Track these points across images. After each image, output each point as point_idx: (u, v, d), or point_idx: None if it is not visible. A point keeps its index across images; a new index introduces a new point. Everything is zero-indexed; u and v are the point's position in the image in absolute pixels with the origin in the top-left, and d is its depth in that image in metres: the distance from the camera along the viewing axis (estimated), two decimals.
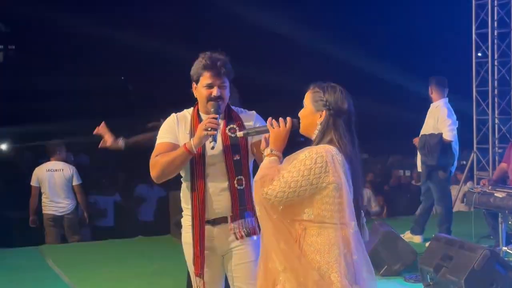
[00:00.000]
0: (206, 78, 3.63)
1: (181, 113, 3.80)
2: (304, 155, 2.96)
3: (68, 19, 18.01)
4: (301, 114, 3.21)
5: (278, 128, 3.21)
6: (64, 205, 8.84)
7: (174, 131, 3.71)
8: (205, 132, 3.46)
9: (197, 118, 3.71)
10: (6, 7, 18.41)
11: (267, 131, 3.25)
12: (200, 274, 3.63)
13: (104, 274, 7.07)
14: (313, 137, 3.14)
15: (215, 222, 3.64)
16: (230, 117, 3.71)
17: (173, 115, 3.79)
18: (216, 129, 3.48)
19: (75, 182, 8.97)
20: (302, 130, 3.24)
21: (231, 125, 3.61)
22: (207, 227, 3.63)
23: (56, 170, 8.86)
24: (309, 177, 2.91)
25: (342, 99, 3.11)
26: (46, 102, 18.28)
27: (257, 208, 3.05)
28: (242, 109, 3.84)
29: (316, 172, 2.92)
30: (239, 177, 3.59)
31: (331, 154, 2.97)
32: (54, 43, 19.22)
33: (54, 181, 8.79)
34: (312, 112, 3.14)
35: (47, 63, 19.77)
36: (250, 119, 3.75)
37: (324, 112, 3.10)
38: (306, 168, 2.92)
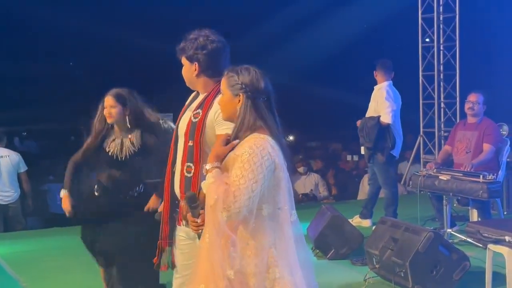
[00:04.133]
0: None
1: None
2: (247, 153, 2.87)
3: (11, 1, 17.60)
4: (220, 101, 3.13)
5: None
6: (9, 193, 8.65)
7: None
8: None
9: (196, 93, 3.74)
10: None
11: None
12: (166, 240, 3.65)
13: (48, 262, 6.95)
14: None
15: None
16: (203, 101, 3.56)
17: None
18: None
19: (22, 169, 8.80)
20: (226, 118, 3.16)
21: (198, 110, 3.50)
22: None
23: (2, 157, 8.64)
24: (263, 173, 2.85)
25: (258, 78, 3.04)
26: None
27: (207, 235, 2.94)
28: None
29: (267, 164, 2.87)
30: (188, 164, 3.47)
31: (269, 143, 2.92)
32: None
33: (1, 168, 8.57)
34: (230, 98, 3.06)
35: None
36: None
37: (241, 96, 3.02)
38: (257, 166, 2.85)
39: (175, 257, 3.67)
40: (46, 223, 10.43)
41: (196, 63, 3.57)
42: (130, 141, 4.83)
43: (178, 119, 3.69)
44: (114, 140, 4.87)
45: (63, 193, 4.99)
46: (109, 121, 4.86)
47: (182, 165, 3.50)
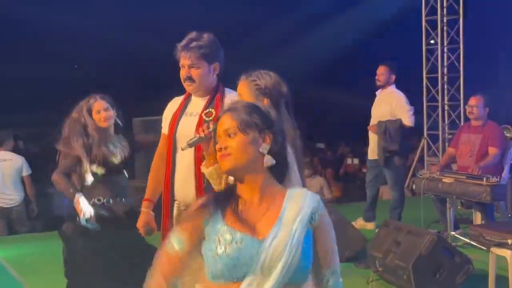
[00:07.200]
0: (181, 58, 3.58)
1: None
2: None
3: (16, 5, 17.62)
4: None
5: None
6: (13, 197, 8.64)
7: (167, 116, 3.74)
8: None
9: (185, 98, 3.70)
10: None
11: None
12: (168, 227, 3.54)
13: (52, 266, 6.93)
14: None
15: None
16: (212, 100, 3.57)
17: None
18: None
19: (25, 173, 8.77)
20: None
21: (210, 109, 3.49)
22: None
23: (4, 160, 8.65)
24: None
25: (279, 82, 3.03)
26: None
27: None
28: (231, 90, 3.62)
29: None
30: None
31: None
32: (2, 30, 18.78)
33: (3, 172, 8.58)
34: None
35: None
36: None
37: (265, 100, 2.99)
38: None
39: None
40: (51, 226, 10.42)
41: (218, 62, 3.60)
42: (120, 147, 4.75)
43: (172, 125, 3.64)
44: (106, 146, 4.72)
45: (78, 196, 4.67)
46: (104, 124, 4.68)
47: (197, 163, 3.43)
